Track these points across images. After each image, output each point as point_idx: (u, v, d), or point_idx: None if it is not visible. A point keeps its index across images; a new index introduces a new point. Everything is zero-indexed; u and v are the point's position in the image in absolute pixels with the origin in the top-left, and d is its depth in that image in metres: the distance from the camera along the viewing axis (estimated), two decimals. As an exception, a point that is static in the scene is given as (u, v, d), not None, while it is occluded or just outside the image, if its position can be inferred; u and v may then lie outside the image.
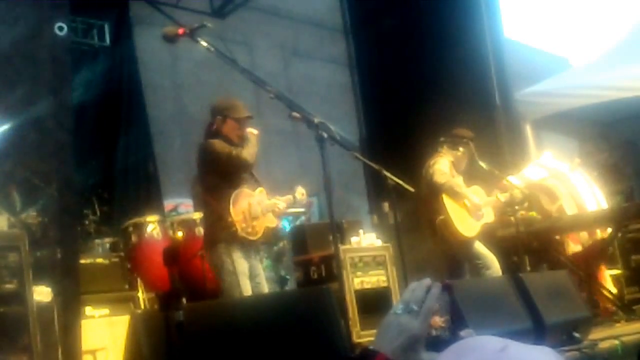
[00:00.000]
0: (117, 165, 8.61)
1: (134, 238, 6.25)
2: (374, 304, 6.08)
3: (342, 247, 5.97)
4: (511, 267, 6.14)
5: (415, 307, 1.34)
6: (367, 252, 6.23)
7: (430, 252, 6.13)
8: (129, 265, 6.05)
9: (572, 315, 4.07)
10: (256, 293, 4.67)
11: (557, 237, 6.46)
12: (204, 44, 3.61)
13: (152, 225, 6.32)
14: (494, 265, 5.65)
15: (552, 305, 3.88)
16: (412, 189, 4.69)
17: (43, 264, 4.03)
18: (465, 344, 1.16)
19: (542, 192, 6.35)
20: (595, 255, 6.33)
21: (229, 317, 2.88)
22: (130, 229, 6.31)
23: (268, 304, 3.27)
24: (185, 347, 2.56)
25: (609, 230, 6.29)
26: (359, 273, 6.08)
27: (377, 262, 6.22)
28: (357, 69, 9.81)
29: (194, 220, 6.01)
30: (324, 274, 6.31)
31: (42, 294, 3.95)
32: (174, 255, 5.88)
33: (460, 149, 5.89)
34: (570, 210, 6.30)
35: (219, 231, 4.61)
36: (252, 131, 4.75)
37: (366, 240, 6.40)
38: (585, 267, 6.22)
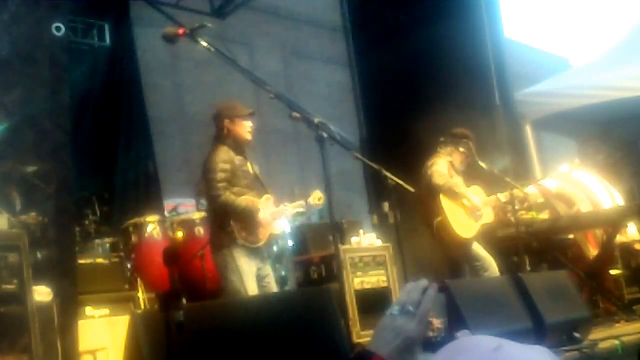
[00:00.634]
0: (117, 166, 8.61)
1: (134, 238, 6.26)
2: (374, 304, 6.07)
3: (342, 247, 5.97)
4: (511, 267, 6.13)
5: (411, 309, 1.34)
6: (367, 252, 6.23)
7: (430, 252, 6.13)
8: (129, 265, 6.05)
9: (572, 315, 4.07)
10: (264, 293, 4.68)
11: (573, 239, 6.45)
12: (204, 44, 3.60)
13: (152, 225, 6.33)
14: (491, 267, 5.65)
15: (552, 305, 3.88)
16: (412, 189, 4.69)
17: (43, 264, 4.03)
18: (459, 344, 1.16)
19: (559, 199, 6.35)
20: (607, 256, 6.33)
21: (229, 317, 2.88)
22: (130, 229, 6.31)
23: (268, 304, 3.26)
24: (185, 347, 2.55)
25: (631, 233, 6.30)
26: (359, 273, 6.07)
27: (377, 262, 6.22)
28: (357, 69, 9.80)
29: (194, 221, 6.01)
30: (324, 274, 6.31)
31: (41, 294, 3.95)
32: (174, 255, 5.84)
33: (460, 148, 5.89)
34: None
35: (223, 237, 4.63)
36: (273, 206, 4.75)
37: (366, 240, 6.39)
38: (599, 269, 6.21)
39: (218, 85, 8.60)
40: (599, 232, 6.43)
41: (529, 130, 8.25)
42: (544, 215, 6.48)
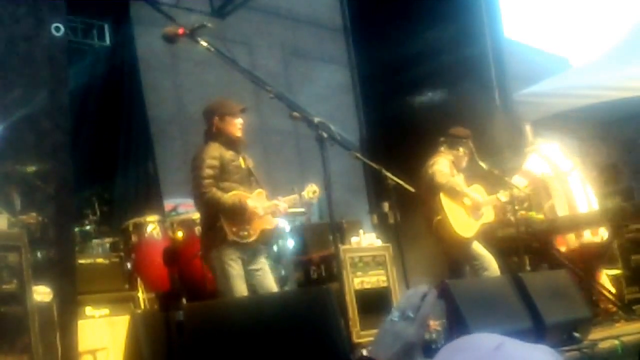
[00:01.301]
0: (117, 166, 8.61)
1: (134, 238, 6.26)
2: (374, 304, 6.07)
3: (342, 247, 5.96)
4: (511, 267, 6.13)
5: (410, 314, 1.35)
6: (367, 252, 6.23)
7: (430, 252, 6.12)
8: (129, 265, 6.05)
9: (572, 315, 4.07)
10: (260, 285, 4.66)
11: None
12: (204, 44, 3.60)
13: (152, 225, 6.33)
14: (491, 266, 5.65)
15: (552, 305, 3.88)
16: (412, 189, 4.69)
17: (43, 264, 4.04)
18: (460, 342, 1.16)
19: (541, 187, 6.36)
20: (591, 257, 6.33)
21: (229, 317, 2.88)
22: (130, 229, 6.31)
23: (268, 304, 3.26)
24: (185, 347, 2.55)
25: (600, 233, 6.29)
26: (359, 273, 6.07)
27: (377, 262, 6.22)
28: (357, 69, 9.80)
29: (194, 220, 6.00)
30: (324, 274, 6.30)
31: (42, 294, 3.95)
32: (174, 255, 5.88)
33: (460, 148, 5.90)
34: (561, 211, 6.30)
35: (212, 236, 4.62)
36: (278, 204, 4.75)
37: (366, 240, 6.39)
38: (580, 268, 6.22)
39: (218, 85, 8.59)
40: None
41: (529, 131, 8.25)
42: (541, 216, 6.48)
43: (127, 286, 5.86)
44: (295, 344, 2.81)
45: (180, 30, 3.63)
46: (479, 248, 5.71)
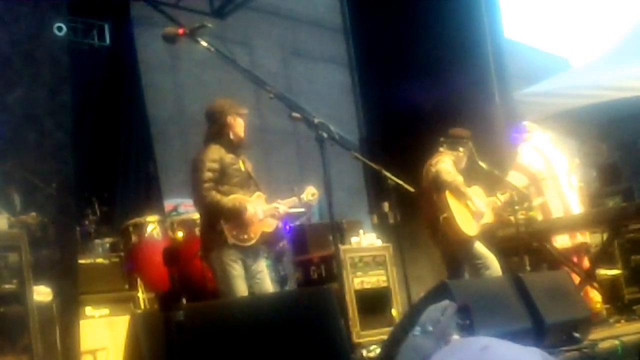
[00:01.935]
0: (117, 165, 8.61)
1: (134, 238, 6.26)
2: (374, 304, 6.08)
3: (342, 247, 5.97)
4: (511, 267, 6.13)
5: (430, 328, 1.38)
6: (367, 252, 6.23)
7: (430, 252, 6.12)
8: (128, 265, 6.06)
9: (572, 315, 4.07)
10: (259, 291, 4.65)
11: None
12: (204, 44, 3.61)
13: (152, 225, 6.33)
14: (493, 266, 5.64)
15: (552, 305, 3.88)
16: (412, 189, 4.69)
17: (43, 264, 4.04)
18: (451, 346, 1.18)
19: (533, 184, 6.35)
20: (581, 256, 6.35)
21: (229, 317, 2.88)
22: (130, 229, 6.32)
23: (268, 304, 3.26)
24: (185, 347, 2.56)
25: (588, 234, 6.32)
26: (359, 273, 6.08)
27: (377, 262, 6.23)
28: (357, 69, 9.80)
29: (194, 220, 6.01)
30: (324, 274, 6.31)
31: (42, 294, 3.95)
32: (173, 255, 5.89)
33: (460, 148, 5.89)
34: (556, 211, 6.30)
35: (212, 238, 4.61)
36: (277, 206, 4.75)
37: (366, 240, 6.39)
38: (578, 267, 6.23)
39: (218, 85, 8.60)
40: None
41: (532, 126, 8.24)
42: (533, 213, 6.47)
43: (127, 286, 5.87)
44: (295, 344, 2.81)
45: (180, 31, 3.64)
46: (481, 247, 5.71)
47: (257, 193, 4.76)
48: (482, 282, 4.84)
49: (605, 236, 6.31)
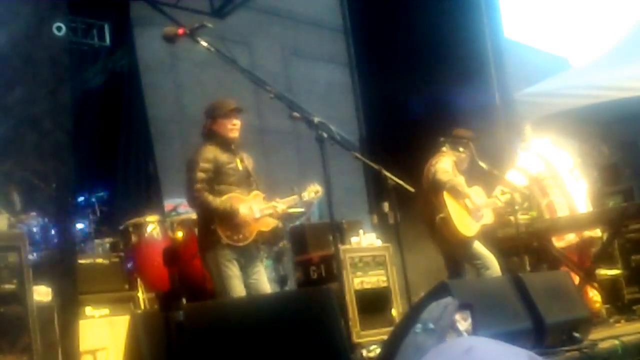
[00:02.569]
0: (118, 166, 8.61)
1: (134, 238, 6.27)
2: (374, 304, 6.07)
3: (342, 247, 5.96)
4: (511, 267, 6.13)
5: (432, 325, 1.38)
6: (367, 252, 6.23)
7: (430, 252, 6.12)
8: (128, 265, 6.06)
9: (572, 315, 4.06)
10: (255, 291, 4.65)
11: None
12: (204, 44, 3.61)
13: (152, 225, 6.34)
14: (493, 266, 5.64)
15: (552, 305, 3.87)
16: (412, 189, 4.69)
17: (43, 264, 4.04)
18: (437, 348, 1.18)
19: (536, 185, 6.35)
20: (589, 252, 6.34)
21: (229, 317, 2.88)
22: (130, 229, 6.32)
23: (268, 304, 3.26)
24: (185, 347, 2.56)
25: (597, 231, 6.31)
26: (359, 273, 6.07)
27: (377, 262, 6.22)
28: (357, 69, 9.81)
29: (194, 220, 5.98)
30: (324, 274, 6.30)
31: (42, 294, 3.95)
32: (173, 255, 5.89)
33: (461, 149, 5.89)
34: (561, 211, 6.30)
35: (206, 238, 4.60)
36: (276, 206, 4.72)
37: (366, 240, 6.39)
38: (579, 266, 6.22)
39: (218, 85, 8.58)
40: None
41: (529, 131, 8.25)
42: (535, 214, 6.47)
43: (127, 286, 5.87)
44: (295, 344, 2.81)
45: (180, 31, 3.64)
46: (480, 248, 5.70)
47: (255, 192, 4.74)
48: (482, 282, 4.84)
49: (605, 236, 6.30)
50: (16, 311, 3.68)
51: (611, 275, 6.70)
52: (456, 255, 5.79)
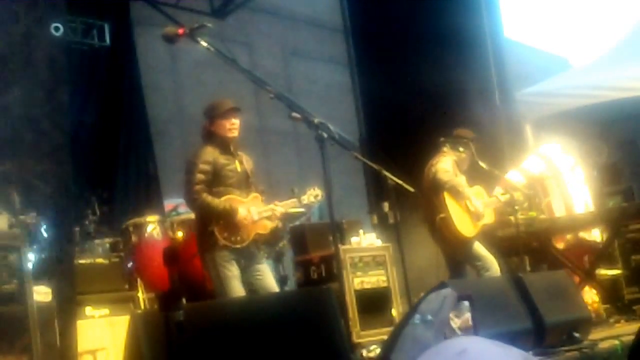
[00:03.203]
0: (117, 166, 8.60)
1: (134, 238, 6.26)
2: (374, 304, 6.07)
3: (342, 247, 5.96)
4: (511, 267, 6.13)
5: (430, 317, 1.38)
6: (367, 252, 6.23)
7: (430, 252, 6.12)
8: (128, 265, 6.06)
9: (572, 315, 4.07)
10: (261, 288, 4.63)
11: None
12: (204, 44, 3.61)
13: (152, 225, 6.33)
14: (493, 267, 5.64)
15: (552, 305, 3.88)
16: (412, 189, 4.69)
17: (43, 264, 4.04)
18: (432, 349, 1.18)
19: (538, 185, 6.36)
20: (586, 254, 6.35)
21: (229, 317, 2.88)
22: (130, 229, 6.32)
23: (268, 304, 3.26)
24: (185, 347, 2.56)
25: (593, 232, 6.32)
26: (359, 273, 6.07)
27: (377, 262, 6.22)
28: (357, 69, 9.81)
29: (194, 221, 6.00)
30: (324, 274, 6.30)
31: (41, 294, 3.95)
32: (173, 255, 5.89)
33: (461, 149, 5.89)
34: (558, 211, 6.30)
35: (204, 240, 4.59)
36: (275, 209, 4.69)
37: (366, 240, 6.39)
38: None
39: (218, 85, 8.57)
40: None
41: (529, 131, 8.25)
42: (534, 213, 6.48)
43: (127, 286, 5.87)
44: (295, 344, 2.81)
45: (180, 31, 3.64)
46: (480, 249, 5.71)
47: (254, 194, 4.72)
48: (482, 282, 4.84)
49: (605, 236, 6.31)
50: (16, 311, 3.68)
51: (611, 275, 6.70)
52: (457, 256, 5.79)
